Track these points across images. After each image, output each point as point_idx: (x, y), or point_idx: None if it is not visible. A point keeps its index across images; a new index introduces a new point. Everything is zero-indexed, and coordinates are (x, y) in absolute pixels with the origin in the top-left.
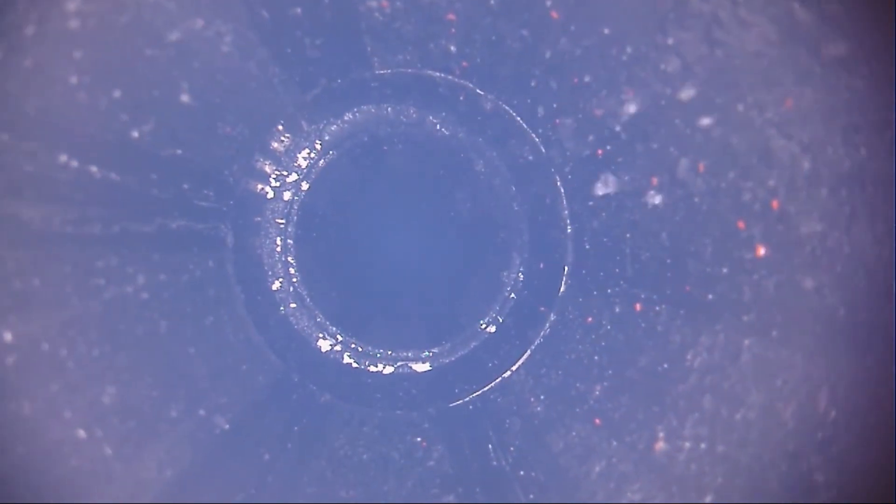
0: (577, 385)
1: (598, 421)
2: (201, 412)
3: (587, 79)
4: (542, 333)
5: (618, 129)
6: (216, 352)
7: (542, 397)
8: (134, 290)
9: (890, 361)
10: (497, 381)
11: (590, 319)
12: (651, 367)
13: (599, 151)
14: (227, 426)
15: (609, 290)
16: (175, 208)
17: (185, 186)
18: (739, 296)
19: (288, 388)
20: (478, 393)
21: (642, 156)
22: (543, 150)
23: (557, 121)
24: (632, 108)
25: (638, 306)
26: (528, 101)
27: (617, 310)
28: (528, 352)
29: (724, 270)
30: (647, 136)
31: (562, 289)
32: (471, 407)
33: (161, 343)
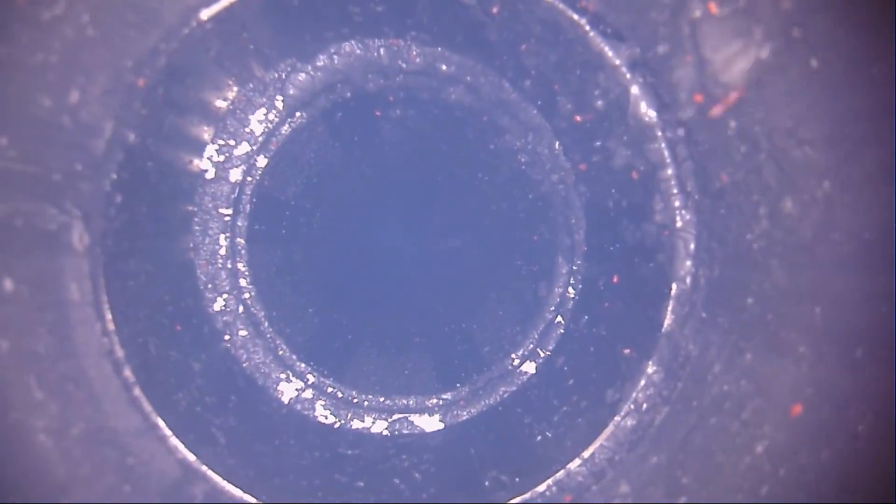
0: None
1: None
2: None
3: None
4: (632, 396)
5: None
6: None
7: None
8: None
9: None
10: (558, 473)
11: (798, 410)
12: None
13: None
14: None
15: (860, 351)
16: None
17: None
18: None
19: None
20: (526, 495)
21: None
22: (636, 90)
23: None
24: None
25: None
26: None
27: None
28: (611, 427)
29: None
30: None
31: (666, 322)
32: None
33: None
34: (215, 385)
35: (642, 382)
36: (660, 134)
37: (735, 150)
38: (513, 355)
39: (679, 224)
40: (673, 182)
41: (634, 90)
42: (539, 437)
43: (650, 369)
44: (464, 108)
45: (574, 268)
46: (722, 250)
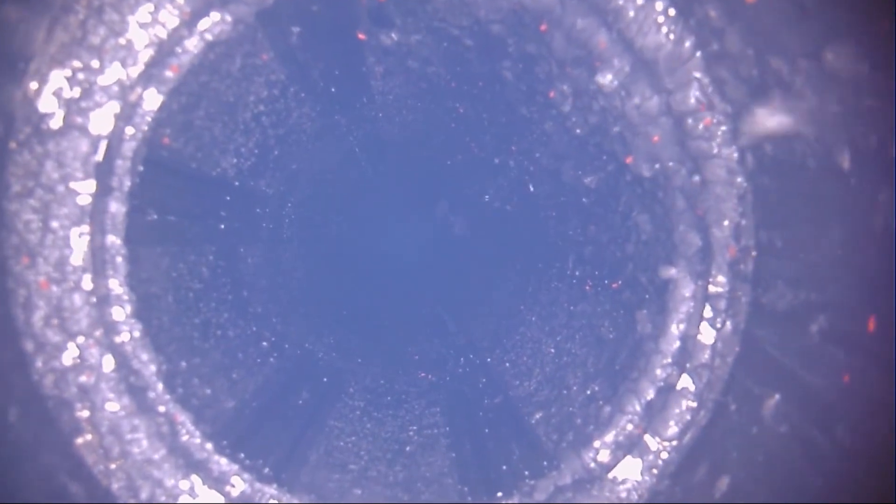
0: None
1: None
2: None
3: None
4: None
5: None
6: None
7: None
8: None
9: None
10: None
11: None
12: None
13: None
14: None
15: None
16: None
17: None
18: None
19: None
20: None
21: None
22: None
23: None
24: None
25: None
26: None
27: None
28: None
29: None
30: None
31: None
32: None
33: None
34: None
35: None
36: None
37: None
38: (596, 442)
39: None
40: None
41: None
42: None
43: None
44: (503, 20)
45: (710, 290)
46: None
